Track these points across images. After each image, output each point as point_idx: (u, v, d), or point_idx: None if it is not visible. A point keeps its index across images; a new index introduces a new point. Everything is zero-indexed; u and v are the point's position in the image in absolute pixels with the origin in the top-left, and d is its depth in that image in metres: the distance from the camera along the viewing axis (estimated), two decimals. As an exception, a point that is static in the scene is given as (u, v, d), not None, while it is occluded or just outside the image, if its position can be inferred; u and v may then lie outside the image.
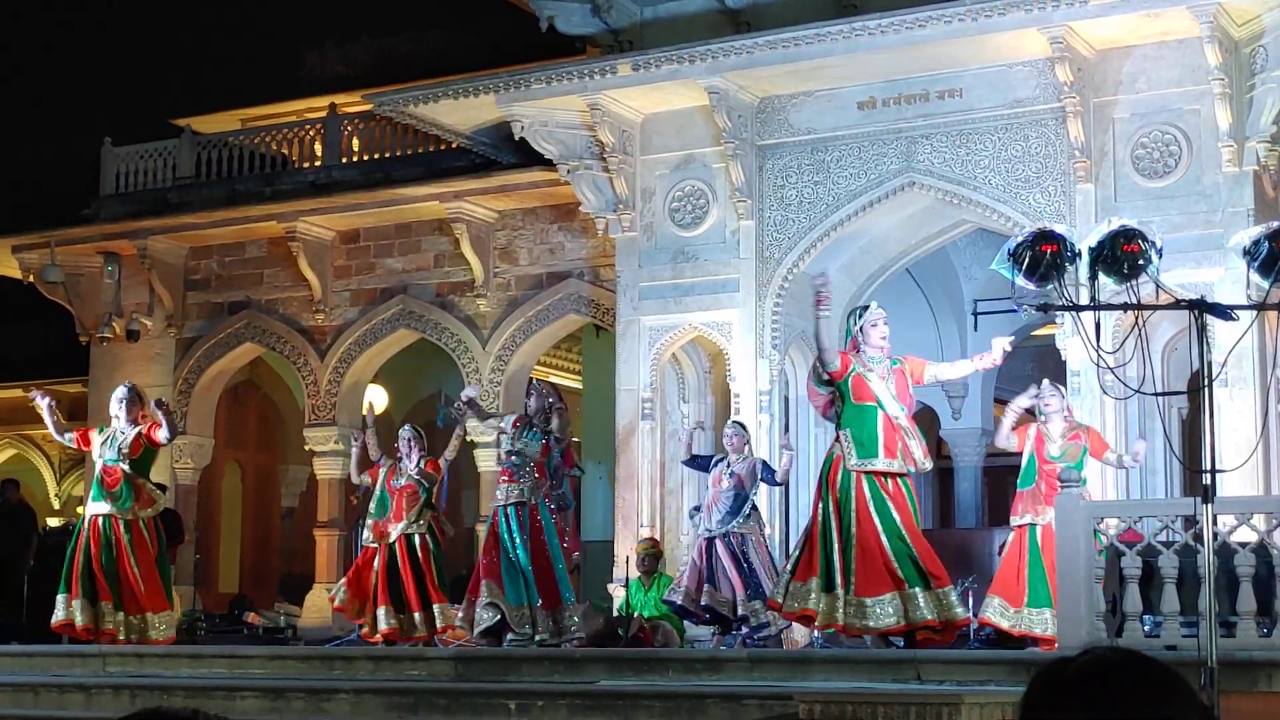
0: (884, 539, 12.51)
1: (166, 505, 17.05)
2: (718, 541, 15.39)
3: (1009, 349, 12.99)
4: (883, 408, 12.74)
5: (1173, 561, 10.78)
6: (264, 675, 13.43)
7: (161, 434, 15.44)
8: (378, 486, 16.42)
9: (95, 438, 15.77)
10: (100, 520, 15.37)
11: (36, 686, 13.67)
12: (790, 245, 18.03)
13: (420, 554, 16.10)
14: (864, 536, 12.53)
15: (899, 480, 12.73)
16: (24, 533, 20.44)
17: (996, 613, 13.70)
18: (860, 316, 13.13)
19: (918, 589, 12.44)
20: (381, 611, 16.02)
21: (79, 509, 17.97)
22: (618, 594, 17.43)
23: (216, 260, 23.40)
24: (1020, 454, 13.92)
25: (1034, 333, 21.95)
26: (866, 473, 12.66)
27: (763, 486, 15.94)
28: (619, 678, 11.88)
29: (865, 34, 16.75)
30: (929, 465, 13.27)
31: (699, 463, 16.37)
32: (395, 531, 16.14)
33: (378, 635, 16.01)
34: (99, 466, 15.69)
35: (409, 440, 16.40)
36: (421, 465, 16.26)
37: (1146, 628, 10.99)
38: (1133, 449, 14.64)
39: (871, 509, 12.58)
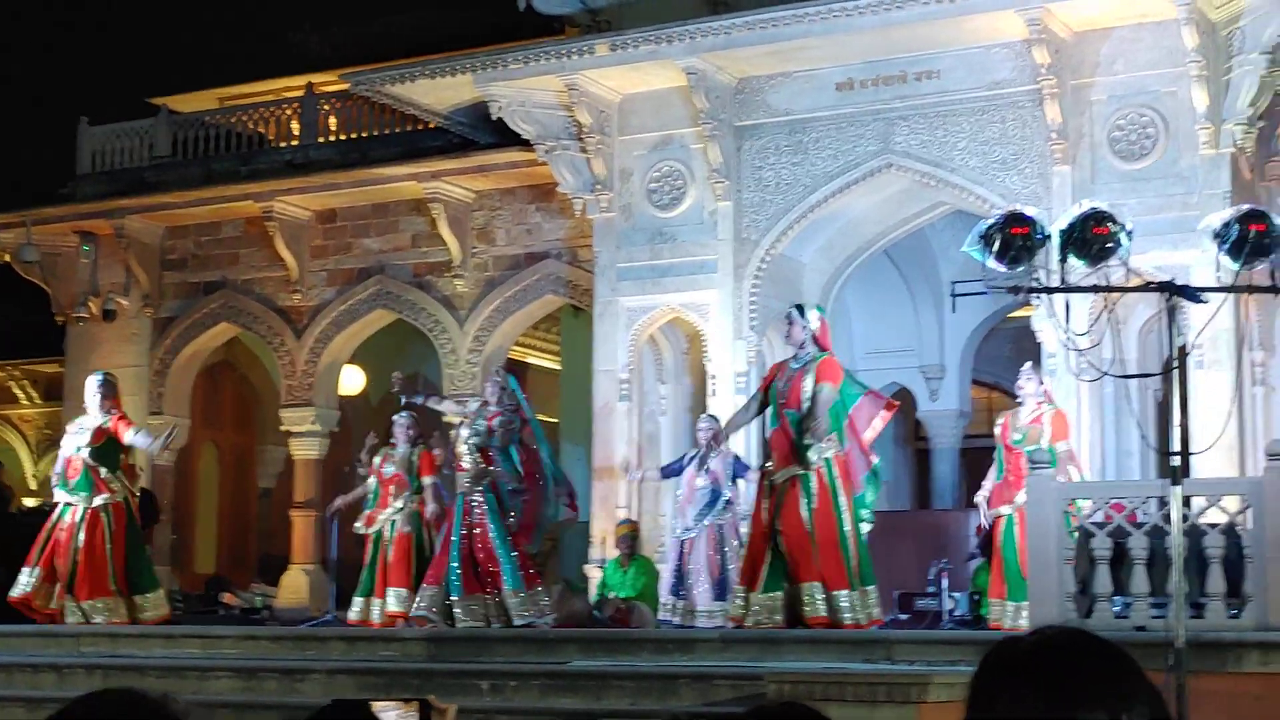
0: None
1: (143, 486, 16.93)
2: (699, 539, 15.38)
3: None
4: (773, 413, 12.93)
5: (1142, 543, 10.79)
6: (237, 655, 13.43)
7: (128, 435, 15.32)
8: (372, 475, 16.29)
9: (69, 428, 15.66)
10: (64, 509, 15.30)
11: (9, 666, 13.64)
12: (768, 226, 18.01)
13: (394, 542, 15.97)
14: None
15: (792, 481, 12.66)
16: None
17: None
18: None
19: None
20: (391, 593, 15.84)
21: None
22: (594, 575, 17.42)
23: (193, 240, 23.31)
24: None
25: (1012, 314, 21.99)
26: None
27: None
28: (592, 658, 11.89)
29: (843, 15, 16.73)
30: (834, 448, 12.65)
31: (673, 469, 16.23)
32: (379, 520, 16.00)
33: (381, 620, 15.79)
34: (62, 456, 15.59)
35: (405, 427, 16.23)
36: (414, 457, 16.10)
37: (1116, 609, 11.00)
38: None
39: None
